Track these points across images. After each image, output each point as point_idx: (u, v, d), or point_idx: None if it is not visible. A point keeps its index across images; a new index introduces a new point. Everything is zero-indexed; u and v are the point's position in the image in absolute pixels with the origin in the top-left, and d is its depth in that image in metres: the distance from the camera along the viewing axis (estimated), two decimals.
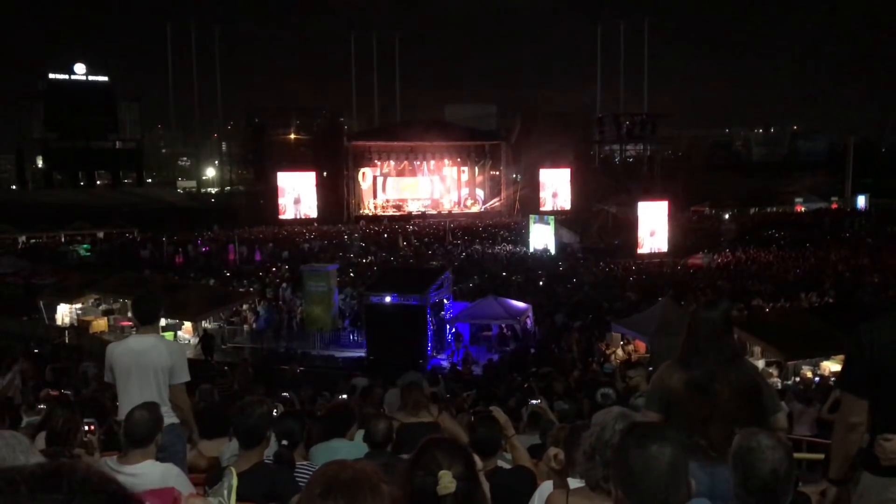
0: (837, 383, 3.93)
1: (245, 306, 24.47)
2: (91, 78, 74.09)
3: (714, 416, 3.31)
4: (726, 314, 3.53)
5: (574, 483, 3.10)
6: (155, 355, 5.18)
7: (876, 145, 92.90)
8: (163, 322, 19.35)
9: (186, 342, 21.16)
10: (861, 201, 59.24)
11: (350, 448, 4.92)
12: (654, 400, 3.52)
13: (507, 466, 4.24)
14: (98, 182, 75.90)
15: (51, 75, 72.84)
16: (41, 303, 25.51)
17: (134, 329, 5.78)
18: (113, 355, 5.27)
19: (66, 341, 22.75)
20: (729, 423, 3.19)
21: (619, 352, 19.26)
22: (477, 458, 2.29)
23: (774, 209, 60.18)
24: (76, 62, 73.96)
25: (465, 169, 61.15)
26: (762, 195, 63.34)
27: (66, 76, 73.15)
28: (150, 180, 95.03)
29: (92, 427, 4.22)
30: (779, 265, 32.11)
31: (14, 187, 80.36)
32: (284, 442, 4.22)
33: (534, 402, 8.07)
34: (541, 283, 28.98)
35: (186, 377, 5.38)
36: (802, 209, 59.37)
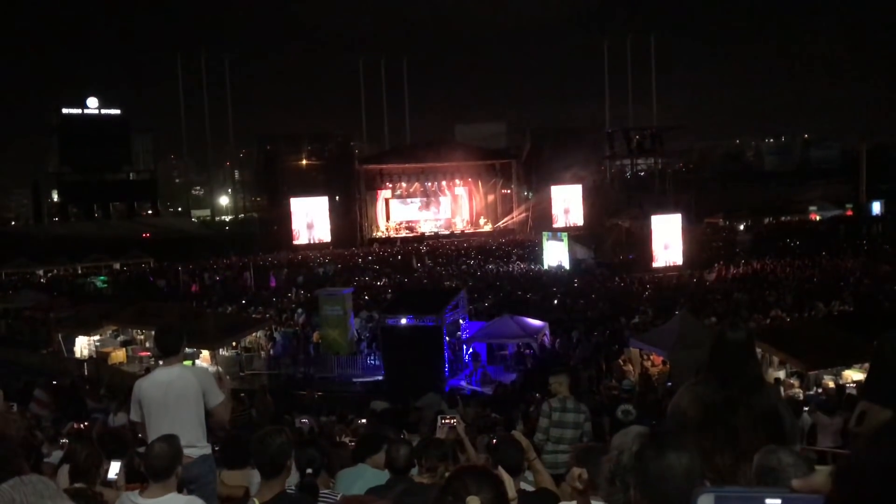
0: (862, 393, 3.84)
1: (261, 333, 24.53)
2: (104, 111, 75.00)
3: (727, 445, 3.17)
4: (750, 335, 3.44)
5: None
6: (182, 384, 5.19)
7: (890, 151, 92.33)
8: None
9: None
10: (876, 207, 58.82)
11: (372, 474, 4.92)
12: (669, 422, 3.40)
13: (530, 489, 4.22)
14: (122, 215, 76.58)
15: (64, 110, 73.77)
16: (59, 335, 25.66)
17: (153, 359, 5.85)
18: (141, 390, 5.29)
19: (86, 373, 22.85)
20: (742, 452, 3.09)
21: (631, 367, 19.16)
22: (510, 487, 2.29)
23: (789, 218, 59.88)
24: (89, 96, 74.92)
25: (477, 188, 61.32)
26: (776, 205, 63.05)
27: (80, 110, 74.05)
28: (171, 209, 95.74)
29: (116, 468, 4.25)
30: (796, 275, 31.87)
31: (31, 221, 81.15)
32: (309, 470, 4.21)
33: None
34: (555, 301, 28.88)
35: (221, 396, 5.41)
36: (817, 217, 59.03)
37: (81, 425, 10.17)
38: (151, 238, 58.95)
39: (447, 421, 5.45)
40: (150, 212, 77.65)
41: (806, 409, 11.83)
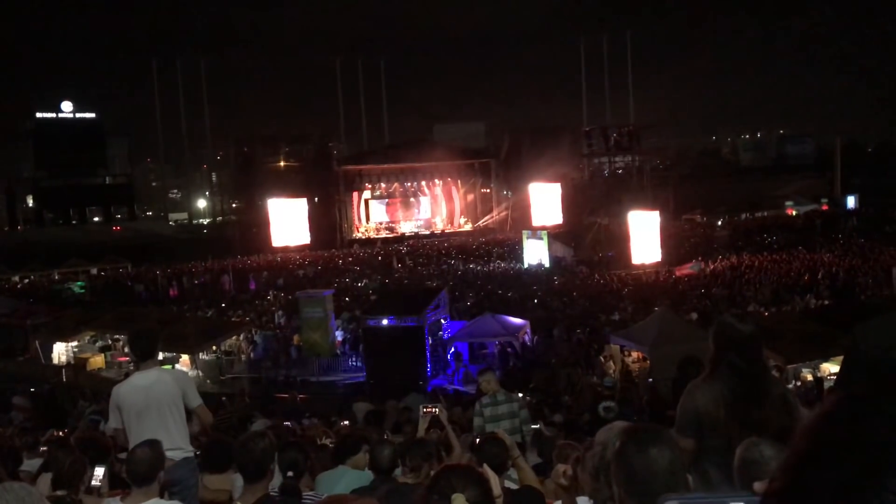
0: (837, 384, 3.87)
1: (241, 336, 24.39)
2: (78, 115, 74.25)
3: (758, 433, 3.09)
4: (758, 327, 3.37)
5: (582, 501, 3.09)
6: (161, 388, 5.16)
7: (863, 146, 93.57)
8: (161, 356, 19.24)
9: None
10: (851, 202, 59.52)
11: (355, 475, 4.90)
12: (685, 424, 3.28)
13: (514, 487, 4.23)
14: (96, 218, 75.88)
15: (38, 114, 72.97)
16: (37, 342, 25.35)
17: (132, 365, 5.80)
18: (119, 395, 5.24)
19: (64, 380, 22.59)
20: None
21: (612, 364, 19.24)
22: (495, 484, 2.30)
23: (766, 213, 60.43)
24: (63, 100, 74.14)
25: (456, 188, 61.34)
26: (753, 200, 63.63)
27: (54, 114, 73.28)
28: (149, 213, 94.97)
29: (101, 474, 4.22)
30: (773, 269, 32.15)
31: (6, 227, 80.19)
32: (290, 473, 4.19)
33: (534, 426, 8.06)
34: (535, 299, 28.95)
35: (199, 399, 5.42)
36: (794, 212, 59.64)
37: (61, 432, 10.05)
38: (129, 242, 58.36)
39: (429, 410, 5.42)
40: (124, 216, 77.03)
41: None
